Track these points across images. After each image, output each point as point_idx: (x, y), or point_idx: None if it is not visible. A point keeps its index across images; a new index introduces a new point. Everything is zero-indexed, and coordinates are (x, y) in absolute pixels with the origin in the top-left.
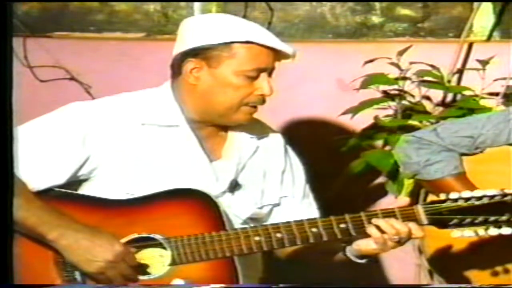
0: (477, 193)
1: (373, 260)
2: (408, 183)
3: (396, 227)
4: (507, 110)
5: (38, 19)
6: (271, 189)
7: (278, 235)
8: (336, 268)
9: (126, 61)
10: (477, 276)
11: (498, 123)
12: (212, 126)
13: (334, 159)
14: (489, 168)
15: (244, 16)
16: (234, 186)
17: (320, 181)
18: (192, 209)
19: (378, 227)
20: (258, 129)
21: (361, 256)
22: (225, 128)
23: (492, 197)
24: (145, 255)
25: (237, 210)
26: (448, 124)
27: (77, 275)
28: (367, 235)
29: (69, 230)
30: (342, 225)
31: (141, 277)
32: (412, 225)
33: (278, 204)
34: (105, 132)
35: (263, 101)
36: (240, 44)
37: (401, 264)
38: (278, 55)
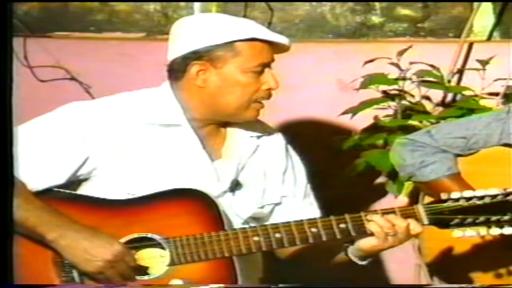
0: (478, 192)
1: (374, 261)
2: (408, 183)
3: (395, 222)
4: (499, 110)
5: (38, 19)
6: (272, 189)
7: (277, 235)
8: (336, 269)
9: (126, 61)
10: (479, 278)
11: (490, 123)
12: (212, 125)
13: (334, 159)
14: (486, 169)
15: (244, 16)
16: (235, 185)
17: (320, 181)
18: (191, 209)
19: (376, 223)
20: (258, 128)
21: (363, 257)
22: (225, 126)
23: (494, 196)
24: (144, 255)
25: (238, 209)
26: (442, 125)
27: (75, 275)
28: (367, 235)
29: (68, 231)
30: (342, 225)
31: (140, 277)
32: (411, 221)
33: (279, 204)
34: (105, 132)
35: (269, 95)
36: (243, 42)
37: (401, 264)
38: (275, 48)
